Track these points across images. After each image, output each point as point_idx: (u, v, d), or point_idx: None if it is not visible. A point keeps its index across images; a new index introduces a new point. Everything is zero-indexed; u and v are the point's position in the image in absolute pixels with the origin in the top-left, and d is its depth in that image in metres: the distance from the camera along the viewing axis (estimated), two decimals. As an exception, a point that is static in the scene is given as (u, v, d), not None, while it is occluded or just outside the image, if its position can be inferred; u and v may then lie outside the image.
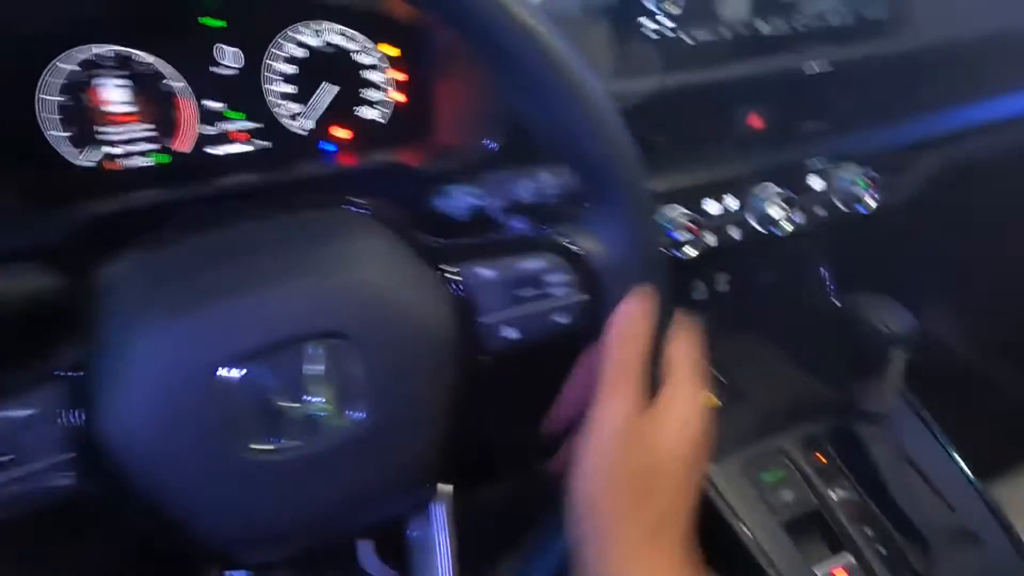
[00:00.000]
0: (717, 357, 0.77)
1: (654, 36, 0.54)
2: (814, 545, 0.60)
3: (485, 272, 0.37)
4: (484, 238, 0.40)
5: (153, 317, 0.31)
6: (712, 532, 0.61)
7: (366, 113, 0.63)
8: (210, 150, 0.58)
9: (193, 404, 0.30)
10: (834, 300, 0.81)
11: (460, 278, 0.37)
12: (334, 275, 0.33)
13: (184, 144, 0.57)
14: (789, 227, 0.64)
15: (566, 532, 0.37)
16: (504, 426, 0.53)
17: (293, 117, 0.60)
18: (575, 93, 0.34)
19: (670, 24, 0.54)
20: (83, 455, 0.31)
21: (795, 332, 0.79)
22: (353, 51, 0.61)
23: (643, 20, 0.54)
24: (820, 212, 0.66)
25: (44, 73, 0.52)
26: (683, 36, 0.55)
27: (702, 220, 0.61)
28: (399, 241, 0.37)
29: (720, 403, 0.73)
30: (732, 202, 0.62)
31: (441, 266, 0.37)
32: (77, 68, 0.53)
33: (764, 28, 0.57)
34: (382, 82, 0.62)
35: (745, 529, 0.59)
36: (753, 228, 0.64)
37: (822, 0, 0.62)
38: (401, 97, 0.63)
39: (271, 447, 0.32)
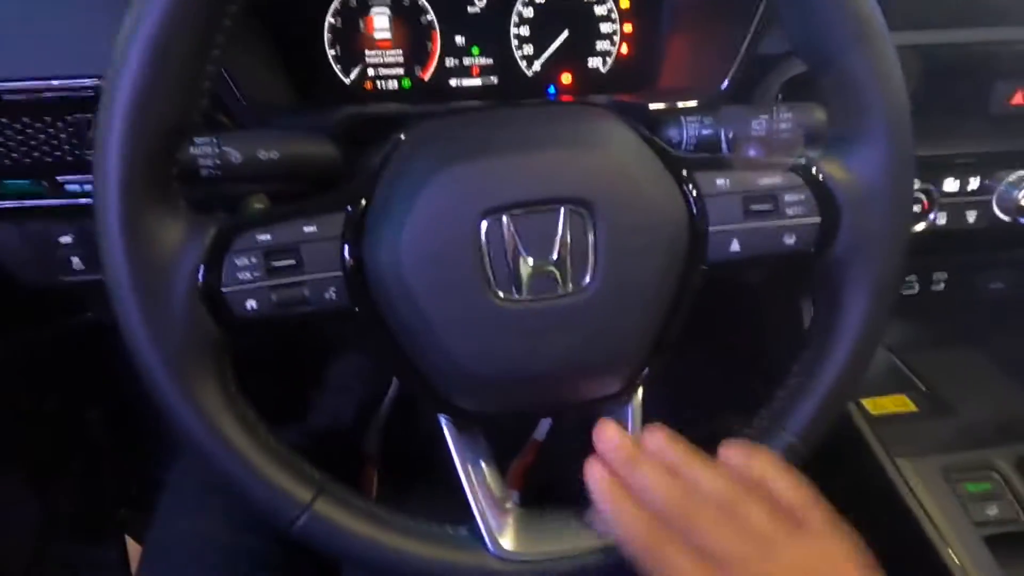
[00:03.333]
0: (919, 363, 0.70)
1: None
2: (1018, 566, 0.53)
3: (721, 182, 0.38)
4: (722, 155, 0.41)
5: (430, 166, 0.35)
6: (897, 533, 0.56)
7: (592, 61, 0.65)
8: (448, 80, 0.64)
9: (454, 245, 0.34)
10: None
11: (696, 185, 0.38)
12: (589, 151, 0.36)
13: (427, 73, 0.64)
14: (1041, 217, 0.57)
15: None
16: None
17: (524, 58, 0.64)
18: (853, 6, 0.34)
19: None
20: (351, 277, 0.36)
21: (1018, 350, 0.70)
22: (590, 2, 0.64)
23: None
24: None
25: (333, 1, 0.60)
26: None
27: (936, 195, 0.56)
28: (642, 140, 0.38)
29: (917, 409, 0.67)
30: (975, 183, 0.57)
31: (680, 171, 0.38)
32: (354, -1, 0.61)
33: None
34: (612, 33, 0.65)
35: (940, 536, 0.54)
36: (994, 215, 0.58)
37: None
38: (626, 49, 0.65)
39: (507, 296, 0.35)
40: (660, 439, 0.37)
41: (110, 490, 0.94)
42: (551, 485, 0.86)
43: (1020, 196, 0.56)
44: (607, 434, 0.38)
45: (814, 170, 0.38)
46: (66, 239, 0.52)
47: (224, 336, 0.36)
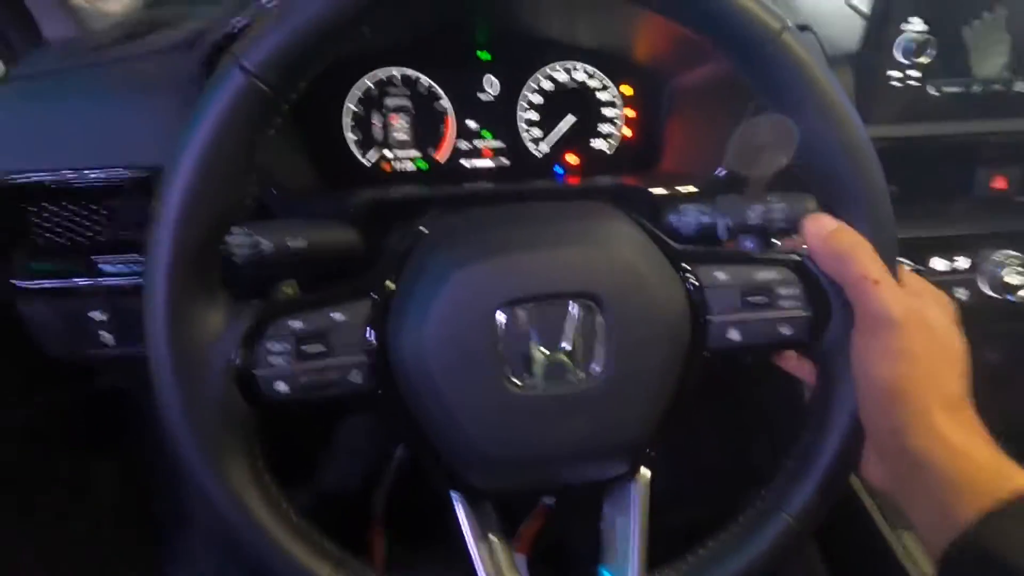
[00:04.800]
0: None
1: (898, 85, 0.55)
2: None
3: (720, 275, 0.41)
4: (721, 248, 0.43)
5: (451, 262, 0.38)
6: None
7: (596, 143, 0.69)
8: (462, 162, 0.68)
9: (473, 335, 0.37)
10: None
11: (696, 278, 0.41)
12: (597, 248, 0.39)
13: (442, 155, 0.68)
14: (1024, 294, 0.59)
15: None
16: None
17: (534, 141, 0.69)
18: (836, 115, 0.37)
19: (916, 74, 0.55)
20: (375, 361, 0.38)
21: (1019, 421, 0.71)
22: (595, 88, 0.68)
23: (890, 71, 0.55)
24: (1067, 287, 0.61)
25: (353, 88, 0.65)
26: (929, 88, 0.55)
27: (926, 274, 0.59)
28: (646, 235, 0.41)
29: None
30: (963, 262, 0.60)
31: (682, 264, 0.41)
32: (372, 85, 0.65)
33: (1020, 86, 0.56)
34: (615, 117, 0.69)
35: None
36: (983, 292, 0.61)
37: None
38: (629, 132, 0.69)
39: (521, 383, 0.37)
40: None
41: (116, 551, 0.94)
42: (560, 547, 0.86)
43: (1005, 274, 0.59)
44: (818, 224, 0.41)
45: (805, 264, 0.41)
46: (97, 315, 0.54)
47: (254, 415, 0.38)
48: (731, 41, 0.38)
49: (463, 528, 0.43)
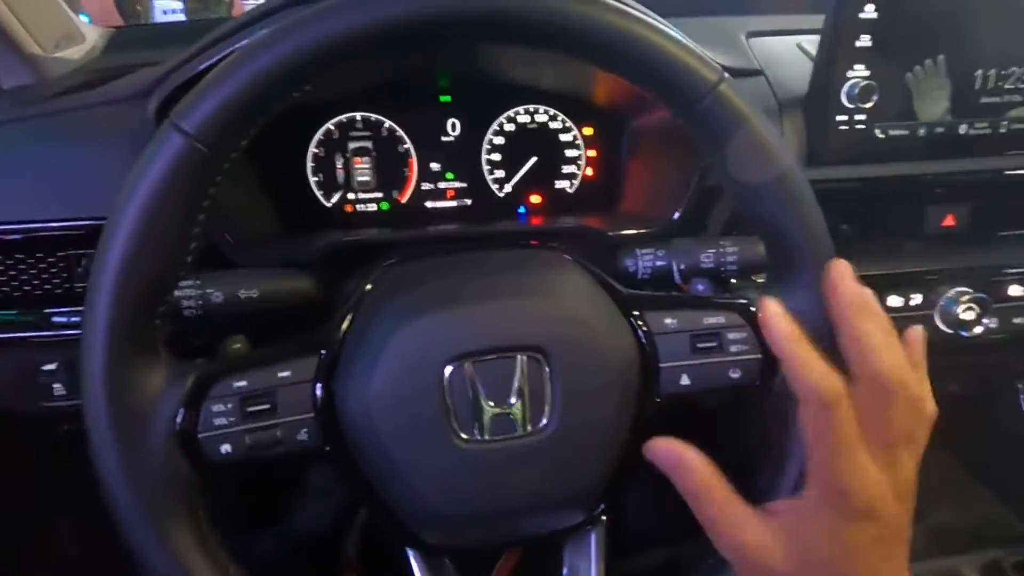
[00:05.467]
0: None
1: (846, 128, 0.56)
2: None
3: (669, 321, 0.41)
4: (670, 293, 0.44)
5: (397, 316, 0.38)
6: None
7: (559, 183, 0.70)
8: (424, 203, 0.69)
9: (419, 390, 0.36)
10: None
11: (646, 324, 0.41)
12: (544, 299, 0.39)
13: (405, 196, 0.68)
14: (979, 330, 0.60)
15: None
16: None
17: (497, 182, 0.69)
18: (776, 167, 0.38)
19: (863, 117, 0.56)
20: (323, 418, 0.38)
21: (981, 451, 0.72)
22: (556, 129, 0.69)
23: (838, 115, 0.56)
24: (1020, 320, 0.62)
25: (317, 132, 0.65)
26: (876, 131, 0.57)
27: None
28: (596, 283, 0.42)
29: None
30: (918, 299, 0.61)
31: (632, 312, 0.41)
32: (334, 128, 0.66)
33: (962, 128, 0.58)
34: (577, 158, 0.70)
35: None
36: (938, 328, 0.62)
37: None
38: (590, 172, 0.70)
39: (468, 438, 0.37)
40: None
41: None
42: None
43: (959, 311, 0.60)
44: (773, 307, 0.37)
45: (753, 309, 0.41)
46: (50, 367, 0.53)
47: (198, 478, 0.37)
48: (669, 93, 0.38)
49: None
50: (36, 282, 0.52)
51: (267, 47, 0.34)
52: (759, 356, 0.41)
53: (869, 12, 0.53)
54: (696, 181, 0.57)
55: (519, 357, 0.37)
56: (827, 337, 0.39)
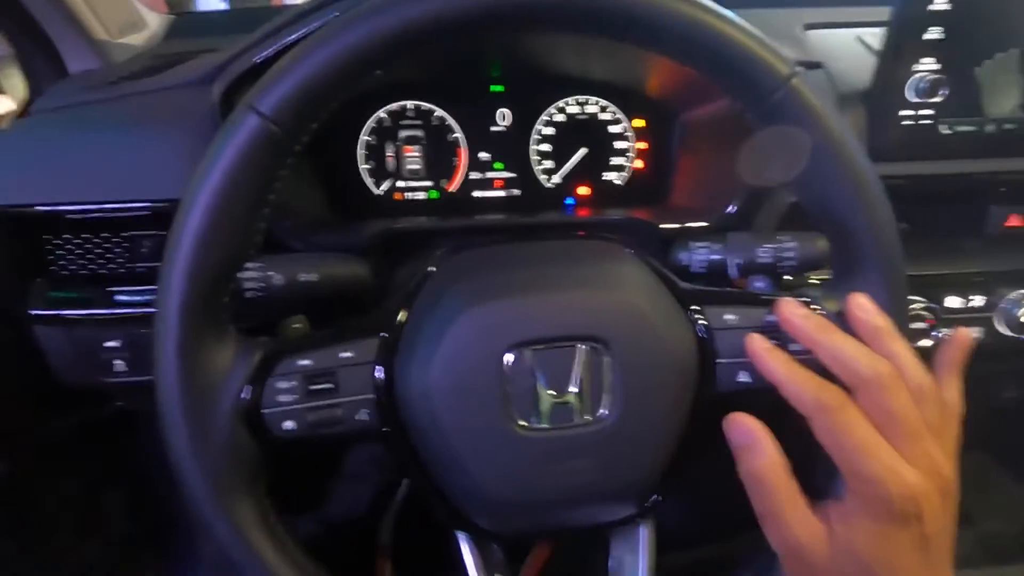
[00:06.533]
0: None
1: (910, 124, 0.55)
2: None
3: (729, 317, 0.40)
4: (731, 289, 0.43)
5: (459, 302, 0.38)
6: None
7: (608, 175, 0.70)
8: (472, 192, 0.69)
9: (479, 377, 0.37)
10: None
11: (705, 319, 0.40)
12: (605, 290, 0.39)
13: (453, 185, 0.68)
14: (1044, 336, 0.58)
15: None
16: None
17: (546, 172, 0.69)
18: (847, 163, 0.37)
19: (929, 113, 0.55)
20: (382, 399, 0.38)
21: (1036, 460, 0.70)
22: (607, 121, 0.69)
23: (902, 110, 0.55)
24: (1085, 327, 0.60)
25: (369, 120, 0.65)
26: (941, 127, 0.55)
27: (939, 312, 0.58)
28: (655, 275, 0.41)
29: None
30: (978, 300, 0.59)
31: (690, 306, 0.41)
32: (385, 116, 0.66)
33: (1034, 126, 0.56)
34: (627, 149, 0.69)
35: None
36: (998, 332, 0.60)
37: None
38: (640, 164, 0.70)
39: (527, 426, 0.37)
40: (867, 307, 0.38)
41: (123, 576, 0.94)
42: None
43: (1021, 314, 0.58)
44: (790, 307, 0.39)
45: (815, 307, 0.41)
46: (112, 343, 0.55)
47: (260, 453, 0.38)
48: (740, 86, 0.38)
49: (468, 569, 0.42)
50: (101, 261, 0.54)
51: (344, 31, 0.34)
52: None
53: (941, 3, 0.51)
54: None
55: (579, 347, 0.37)
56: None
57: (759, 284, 0.46)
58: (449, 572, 0.46)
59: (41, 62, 0.61)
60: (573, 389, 0.37)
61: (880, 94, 0.55)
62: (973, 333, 0.52)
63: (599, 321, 0.38)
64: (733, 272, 0.50)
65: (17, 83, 0.64)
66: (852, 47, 0.63)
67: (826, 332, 0.37)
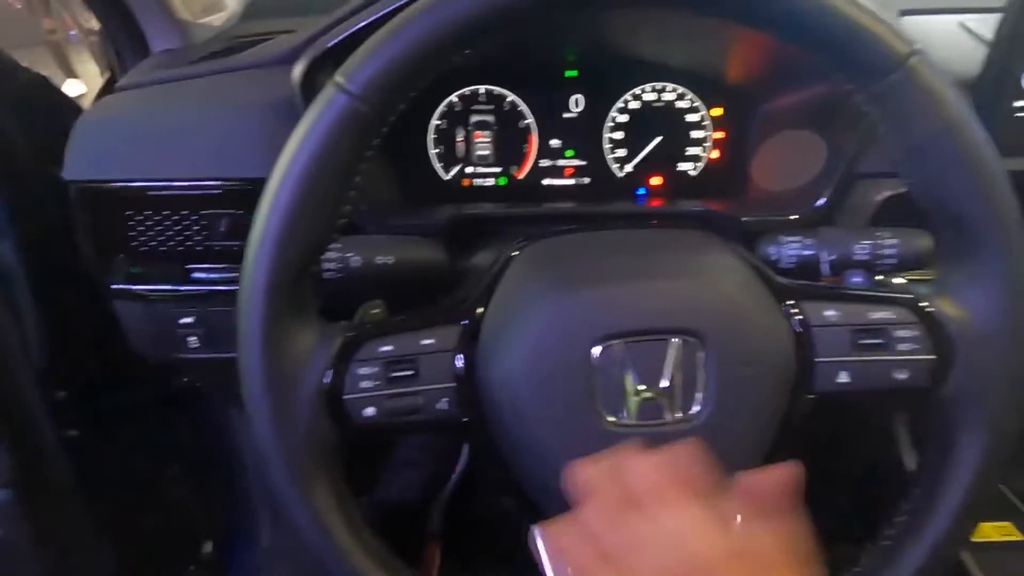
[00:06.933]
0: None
1: (1022, 114, 0.51)
2: None
3: (829, 314, 0.38)
4: (831, 284, 0.41)
5: (546, 290, 0.37)
6: None
7: (681, 165, 0.67)
8: (541, 180, 0.67)
9: (566, 369, 0.35)
10: None
11: (802, 315, 0.38)
12: (700, 281, 0.37)
13: (522, 172, 0.67)
14: None
15: None
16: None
17: (617, 160, 0.67)
18: (968, 151, 0.35)
19: (1045, 104, 0.51)
20: (463, 389, 0.37)
21: None
22: (683, 109, 0.66)
23: (1016, 101, 0.51)
24: None
25: (440, 104, 0.65)
26: (1058, 119, 0.51)
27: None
28: (750, 268, 0.39)
29: None
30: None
31: (786, 300, 0.38)
32: (456, 100, 0.65)
33: None
34: (703, 139, 0.67)
35: None
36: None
37: None
38: (716, 154, 0.67)
39: (615, 421, 0.36)
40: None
41: (180, 549, 0.97)
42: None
43: None
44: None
45: (926, 305, 0.38)
46: (187, 320, 0.56)
47: (339, 439, 0.38)
48: (853, 65, 0.35)
49: (544, 566, 0.41)
50: (179, 239, 0.54)
51: (435, 10, 0.33)
52: (932, 357, 0.37)
53: (1067, -14, 0.48)
54: (846, 166, 0.53)
55: (673, 340, 0.36)
56: (1001, 340, 0.35)
57: (857, 279, 0.43)
58: (498, 561, 0.45)
59: (125, 40, 0.62)
60: (664, 385, 0.36)
61: (991, 84, 0.51)
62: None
63: (695, 314, 0.36)
64: (825, 269, 0.47)
65: (90, 67, 0.66)
66: (955, 34, 0.59)
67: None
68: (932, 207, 0.36)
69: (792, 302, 0.38)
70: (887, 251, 0.46)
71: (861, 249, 0.46)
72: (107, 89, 0.59)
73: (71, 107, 0.66)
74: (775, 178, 0.62)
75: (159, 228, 0.54)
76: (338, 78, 0.34)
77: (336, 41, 0.51)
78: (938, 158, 0.35)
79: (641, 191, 0.68)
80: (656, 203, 0.66)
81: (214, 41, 0.67)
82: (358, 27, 0.50)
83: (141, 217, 0.53)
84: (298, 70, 0.51)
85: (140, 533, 0.89)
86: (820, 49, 0.35)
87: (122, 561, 0.84)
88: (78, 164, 0.53)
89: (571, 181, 0.68)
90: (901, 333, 0.38)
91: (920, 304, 0.38)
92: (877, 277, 0.50)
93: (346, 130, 0.34)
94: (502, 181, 0.67)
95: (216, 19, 0.69)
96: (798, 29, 0.35)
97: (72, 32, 2.93)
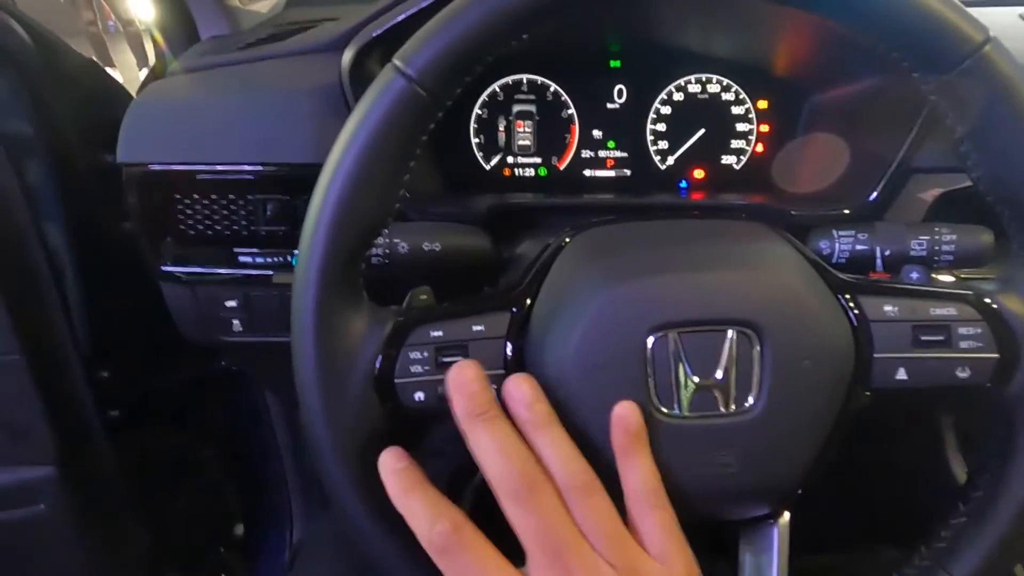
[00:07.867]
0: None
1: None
2: None
3: (889, 309, 0.37)
4: (886, 279, 0.40)
5: (599, 279, 0.36)
6: None
7: (725, 158, 0.66)
8: (583, 171, 0.67)
9: (620, 359, 0.35)
10: None
11: (860, 309, 0.37)
12: (757, 272, 0.36)
13: (564, 163, 0.67)
14: None
15: None
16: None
17: (659, 152, 0.66)
18: None
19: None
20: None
21: None
22: (728, 101, 0.65)
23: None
24: None
25: (483, 93, 0.64)
26: None
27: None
28: (806, 260, 0.38)
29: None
30: None
31: (844, 294, 0.38)
32: (499, 89, 0.65)
33: None
34: (748, 132, 0.66)
35: None
36: None
37: None
38: (761, 148, 0.66)
39: (669, 412, 0.35)
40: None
41: (212, 530, 0.98)
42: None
43: None
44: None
45: (991, 302, 0.37)
46: (232, 303, 0.56)
47: (389, 423, 0.38)
48: (922, 53, 0.34)
49: None
50: (226, 223, 0.55)
51: None
52: (995, 355, 0.36)
53: None
54: (899, 160, 0.52)
55: (729, 332, 0.35)
56: None
57: (915, 275, 0.42)
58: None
59: (176, 27, 0.62)
60: (719, 377, 0.35)
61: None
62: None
63: (752, 305, 0.35)
64: (879, 264, 0.46)
65: (127, 57, 0.67)
66: (1018, 26, 0.58)
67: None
68: (1000, 199, 0.35)
69: (849, 296, 0.38)
70: (945, 247, 0.45)
71: (919, 244, 0.45)
72: (159, 73, 0.59)
73: (121, 92, 0.67)
74: (823, 172, 0.61)
75: (207, 212, 0.55)
76: (396, 62, 0.34)
77: (386, 28, 0.51)
78: (1011, 147, 0.34)
79: (683, 184, 0.67)
80: (697, 196, 0.65)
81: (262, 28, 0.67)
82: (407, 14, 0.50)
83: (189, 201, 0.54)
84: (347, 56, 0.51)
85: (174, 514, 0.90)
86: (885, 36, 0.34)
87: (155, 540, 0.85)
88: (130, 148, 0.53)
89: (612, 172, 0.67)
90: (964, 330, 0.37)
91: (984, 300, 0.37)
92: (939, 275, 0.49)
93: (403, 114, 0.34)
94: (543, 171, 0.67)
95: (263, 6, 0.70)
96: (869, 17, 0.34)
97: (111, 22, 2.99)
